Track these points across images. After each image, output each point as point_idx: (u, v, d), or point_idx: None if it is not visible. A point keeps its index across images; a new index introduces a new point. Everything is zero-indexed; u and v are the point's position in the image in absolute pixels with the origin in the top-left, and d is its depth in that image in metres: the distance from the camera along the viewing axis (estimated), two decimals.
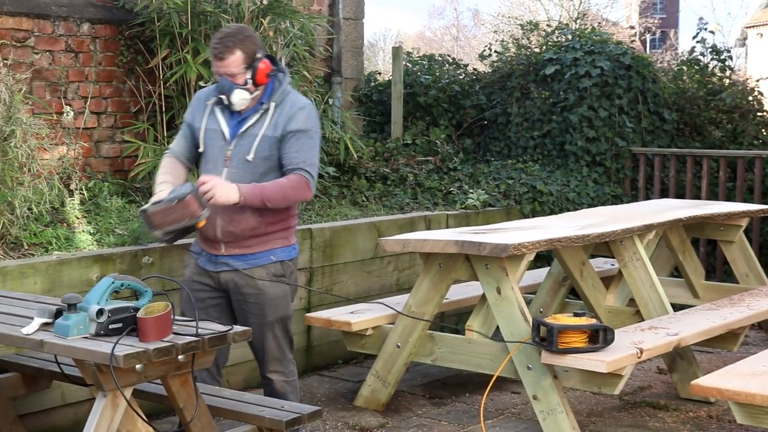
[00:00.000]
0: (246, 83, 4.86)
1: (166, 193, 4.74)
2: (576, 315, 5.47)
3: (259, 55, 4.88)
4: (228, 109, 4.95)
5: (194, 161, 5.14)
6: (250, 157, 4.86)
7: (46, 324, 4.11)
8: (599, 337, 5.31)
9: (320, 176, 8.18)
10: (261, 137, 4.86)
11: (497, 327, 5.88)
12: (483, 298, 5.95)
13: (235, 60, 4.82)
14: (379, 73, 11.64)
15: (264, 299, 4.95)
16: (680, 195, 9.45)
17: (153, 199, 4.77)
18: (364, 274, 7.37)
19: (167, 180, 4.97)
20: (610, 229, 6.23)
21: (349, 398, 6.47)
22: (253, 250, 4.94)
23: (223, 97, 4.89)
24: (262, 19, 7.80)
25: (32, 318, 4.15)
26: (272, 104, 4.91)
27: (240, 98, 4.87)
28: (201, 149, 5.02)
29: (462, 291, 6.94)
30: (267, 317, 4.96)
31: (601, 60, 9.57)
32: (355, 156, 8.64)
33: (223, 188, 4.70)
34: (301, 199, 4.95)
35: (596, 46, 9.76)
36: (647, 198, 9.55)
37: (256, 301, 4.95)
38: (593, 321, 5.39)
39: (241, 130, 4.91)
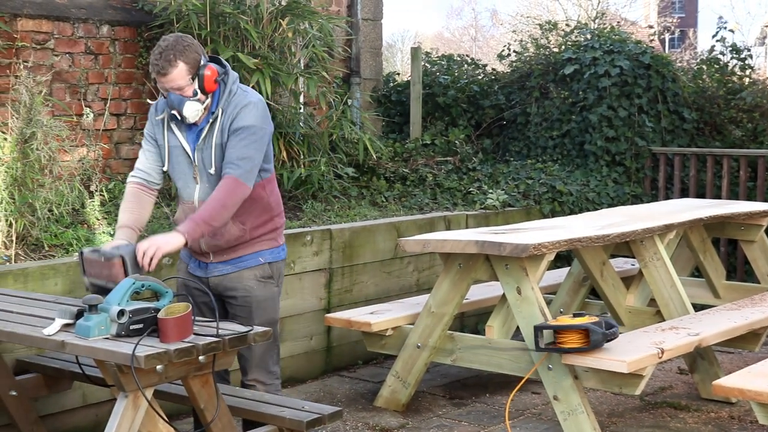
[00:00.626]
0: (195, 94, 4.62)
1: (117, 242, 4.53)
2: (576, 315, 5.47)
3: (203, 62, 4.64)
4: (183, 122, 4.75)
5: (163, 176, 4.91)
6: (212, 171, 4.70)
7: (67, 325, 4.11)
8: (590, 338, 5.29)
9: (339, 177, 8.19)
10: (215, 147, 4.69)
11: (517, 327, 5.87)
12: (503, 298, 5.94)
13: (179, 73, 4.57)
14: (398, 74, 11.65)
15: (251, 301, 4.83)
16: (700, 194, 9.42)
17: (104, 247, 4.51)
18: (384, 274, 7.36)
19: (128, 224, 4.72)
20: (631, 229, 6.21)
21: (369, 399, 6.47)
22: (241, 253, 4.81)
23: (175, 112, 4.65)
24: (281, 20, 7.83)
25: (53, 319, 4.16)
26: (220, 110, 4.68)
27: (193, 110, 4.63)
28: (166, 168, 4.83)
29: (482, 291, 6.93)
30: (253, 320, 4.76)
31: (621, 59, 9.55)
32: (374, 156, 8.64)
33: (162, 244, 4.44)
34: (241, 197, 4.63)
35: (615, 45, 9.73)
36: (667, 198, 9.52)
37: (243, 303, 4.82)
38: (586, 321, 5.35)
39: (198, 143, 4.73)
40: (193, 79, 4.61)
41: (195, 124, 4.72)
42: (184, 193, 4.82)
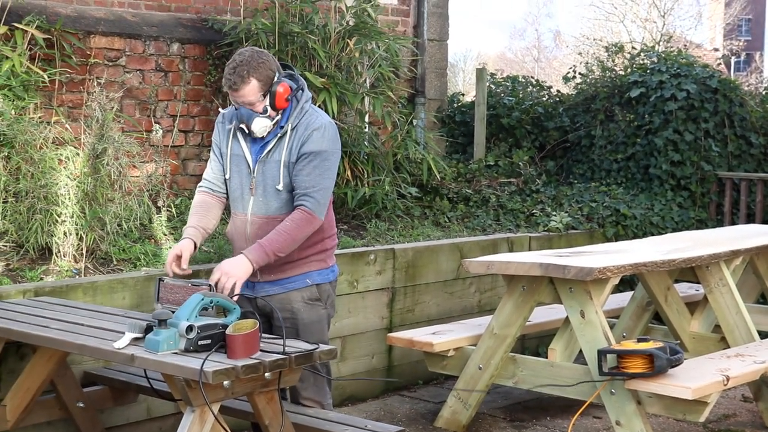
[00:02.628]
0: (265, 110, 4.66)
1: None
2: (640, 340, 5.45)
3: (276, 79, 4.68)
4: (250, 135, 4.79)
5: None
6: (280, 187, 4.71)
7: (136, 339, 4.18)
8: (654, 363, 5.26)
9: (402, 196, 8.22)
10: (283, 164, 4.70)
11: (580, 350, 5.85)
12: (566, 321, 5.93)
13: (251, 89, 4.62)
14: (463, 95, 11.65)
15: (298, 323, 4.80)
16: (767, 221, 9.31)
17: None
18: (446, 294, 7.37)
19: (193, 224, 4.82)
20: (697, 254, 6.17)
21: (429, 419, 6.47)
22: (289, 274, 4.79)
23: (243, 126, 4.71)
24: (348, 40, 7.89)
25: (123, 332, 4.23)
26: (289, 126, 4.71)
27: (260, 126, 4.68)
28: (227, 176, 4.87)
29: (544, 314, 6.91)
30: None
31: (688, 83, 9.48)
32: (438, 177, 8.66)
33: (236, 272, 4.53)
34: (311, 231, 4.68)
35: (682, 68, 9.67)
36: (733, 223, 9.43)
37: (290, 326, 4.75)
38: (650, 346, 5.33)
39: (261, 156, 4.74)
40: (264, 95, 4.65)
41: (262, 137, 4.76)
42: (239, 204, 4.84)
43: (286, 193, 4.73)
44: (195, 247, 4.79)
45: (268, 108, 4.67)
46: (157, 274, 5.68)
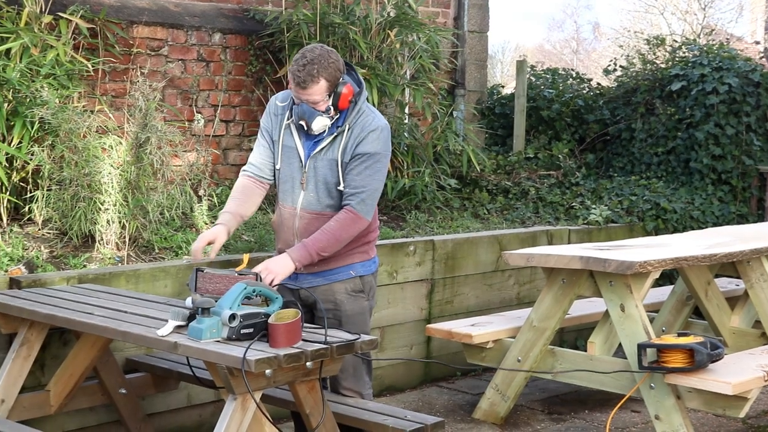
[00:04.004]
0: (328, 110, 4.64)
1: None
2: (680, 335, 5.42)
3: (342, 80, 4.64)
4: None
5: (274, 173, 4.92)
6: (341, 187, 4.69)
7: (179, 326, 4.21)
8: (694, 358, 5.24)
9: (442, 188, 8.22)
10: (339, 164, 4.68)
11: (619, 344, 5.83)
12: (606, 315, 5.91)
13: (319, 89, 4.57)
14: (503, 86, 11.63)
15: (340, 315, 4.81)
16: None
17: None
18: (485, 286, 7.37)
19: (229, 210, 4.81)
20: (738, 249, 6.13)
21: (467, 410, 6.48)
22: (332, 265, 4.78)
23: (303, 123, 4.67)
24: (389, 31, 7.89)
25: (166, 320, 4.26)
26: (347, 126, 4.68)
27: (321, 125, 4.65)
28: (278, 166, 4.85)
29: (582, 307, 6.89)
30: None
31: (730, 77, 9.42)
32: (478, 168, 8.66)
33: (277, 269, 4.56)
34: (357, 231, 4.70)
35: (724, 62, 9.61)
36: None
37: (333, 317, 4.76)
38: (691, 340, 5.30)
39: (314, 151, 4.72)
40: (329, 95, 4.62)
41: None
42: (288, 196, 4.82)
43: (338, 191, 4.72)
44: (228, 234, 4.80)
45: (331, 108, 4.65)
46: (198, 263, 5.72)
